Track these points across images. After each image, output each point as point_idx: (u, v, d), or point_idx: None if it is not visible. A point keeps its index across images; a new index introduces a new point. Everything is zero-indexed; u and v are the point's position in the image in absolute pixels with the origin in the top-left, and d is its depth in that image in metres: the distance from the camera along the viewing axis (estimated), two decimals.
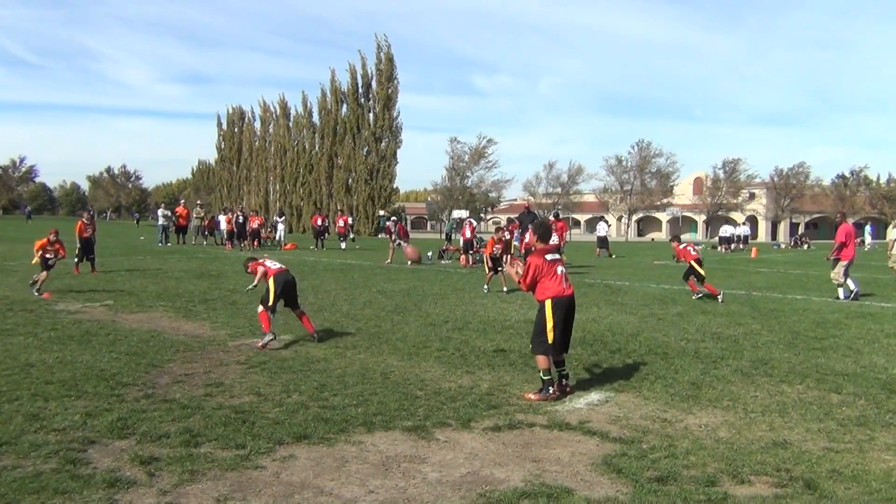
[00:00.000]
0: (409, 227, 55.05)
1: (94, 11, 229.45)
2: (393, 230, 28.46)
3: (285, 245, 36.84)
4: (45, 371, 8.20)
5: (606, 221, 40.03)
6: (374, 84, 73.78)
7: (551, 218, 27.98)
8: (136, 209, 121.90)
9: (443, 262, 28.08)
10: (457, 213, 56.85)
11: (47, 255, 14.95)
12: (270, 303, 10.03)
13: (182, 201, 44.69)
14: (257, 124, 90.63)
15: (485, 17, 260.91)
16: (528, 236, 9.09)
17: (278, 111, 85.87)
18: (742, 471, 5.39)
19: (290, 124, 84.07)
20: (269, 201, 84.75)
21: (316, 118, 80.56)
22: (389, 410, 6.83)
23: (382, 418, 6.57)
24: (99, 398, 7.12)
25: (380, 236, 59.35)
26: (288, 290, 10.38)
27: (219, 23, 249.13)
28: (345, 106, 76.01)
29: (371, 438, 6.06)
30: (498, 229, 20.01)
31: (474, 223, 29.77)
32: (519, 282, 7.76)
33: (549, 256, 7.65)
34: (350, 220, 40.51)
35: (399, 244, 27.40)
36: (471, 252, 26.78)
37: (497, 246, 18.44)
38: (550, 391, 7.41)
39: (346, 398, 7.26)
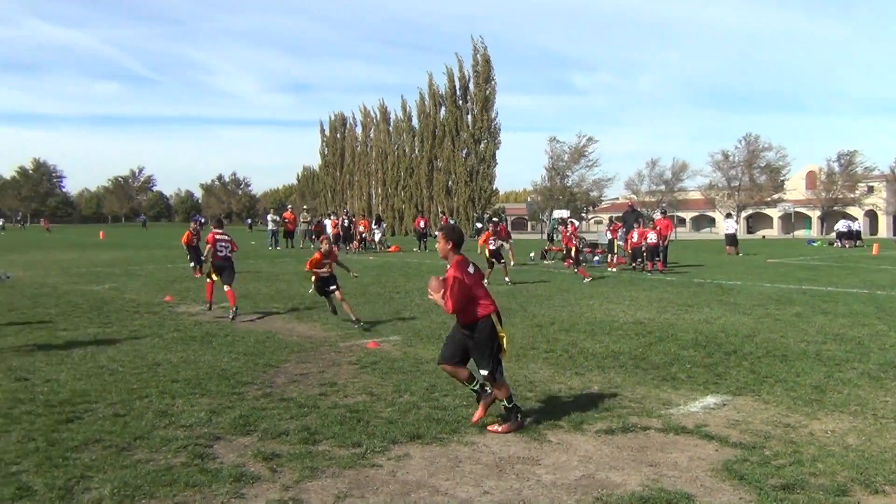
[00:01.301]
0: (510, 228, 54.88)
1: (204, 27, 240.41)
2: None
3: (389, 247, 37.43)
4: (170, 370, 8.63)
5: (733, 218, 38.20)
6: (471, 86, 74.04)
7: (658, 215, 27.33)
8: (247, 215, 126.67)
9: (545, 262, 27.88)
10: (557, 213, 56.27)
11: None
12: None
13: (289, 207, 46.11)
14: (359, 130, 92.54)
15: (582, 14, 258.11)
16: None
17: (378, 116, 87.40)
18: (875, 480, 5.10)
19: (391, 129, 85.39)
20: (372, 205, 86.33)
21: (415, 122, 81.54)
22: (500, 412, 6.83)
23: (494, 419, 6.57)
24: (221, 396, 7.44)
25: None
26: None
27: (320, 33, 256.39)
28: (443, 109, 76.61)
29: (483, 439, 6.08)
30: (492, 222, 20.45)
31: (576, 223, 29.45)
32: (443, 304, 6.29)
33: (470, 268, 6.44)
34: (423, 223, 40.60)
35: (501, 245, 27.38)
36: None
37: (493, 239, 19.10)
38: (519, 418, 6.39)
39: (456, 399, 7.31)
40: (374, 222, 41.28)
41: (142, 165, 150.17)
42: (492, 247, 19.13)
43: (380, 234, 39.02)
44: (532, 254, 29.15)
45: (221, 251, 13.40)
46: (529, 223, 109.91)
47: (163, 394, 7.48)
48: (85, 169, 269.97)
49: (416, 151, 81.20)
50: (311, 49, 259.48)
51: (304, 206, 49.95)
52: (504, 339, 6.41)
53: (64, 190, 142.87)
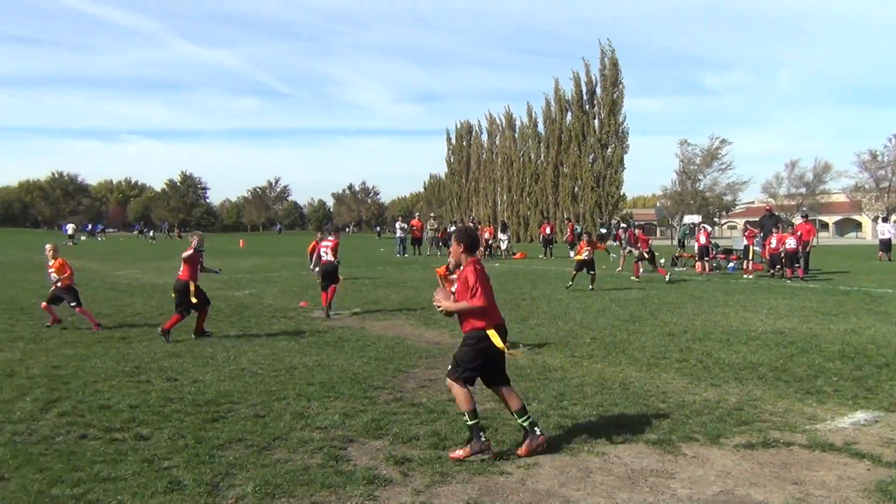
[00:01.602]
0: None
1: (336, 42, 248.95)
2: (623, 237, 27.95)
3: (514, 254, 37.40)
4: (306, 373, 8.96)
5: (890, 223, 35.69)
6: (598, 90, 73.01)
7: (798, 220, 25.98)
8: (375, 222, 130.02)
9: (677, 269, 27.05)
10: (689, 219, 54.52)
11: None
12: None
13: (416, 214, 46.92)
14: (484, 137, 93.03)
15: (714, 12, 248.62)
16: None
17: (504, 123, 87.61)
18: None
19: (516, 135, 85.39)
20: (497, 211, 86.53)
21: (541, 128, 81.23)
22: (631, 422, 6.67)
23: (625, 430, 6.42)
24: (354, 400, 7.64)
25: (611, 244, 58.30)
26: None
27: (448, 43, 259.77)
28: (569, 114, 75.92)
29: (615, 450, 5.95)
30: (621, 228, 20.43)
31: (709, 228, 28.46)
32: (470, 303, 5.90)
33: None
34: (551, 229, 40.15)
35: (630, 251, 26.82)
36: (706, 259, 25.75)
37: (587, 250, 19.19)
38: (483, 437, 5.80)
39: (585, 408, 7.20)
40: (499, 229, 41.35)
41: (278, 176, 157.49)
42: (585, 256, 18.92)
43: (506, 241, 39.04)
44: (662, 259, 28.33)
45: (323, 256, 14.62)
46: (658, 229, 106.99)
47: (299, 396, 7.77)
48: (226, 180, 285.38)
49: (542, 157, 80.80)
50: (438, 59, 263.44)
51: (431, 214, 50.78)
52: (505, 354, 6.02)
53: (208, 200, 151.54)
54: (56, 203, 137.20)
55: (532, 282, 21.27)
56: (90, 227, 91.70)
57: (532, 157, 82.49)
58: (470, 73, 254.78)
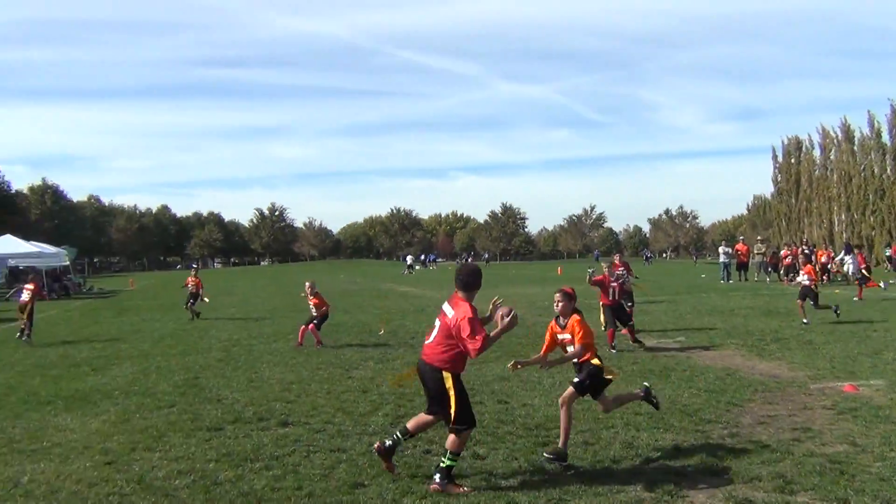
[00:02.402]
0: None
1: (648, 66, 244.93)
2: None
3: (868, 281, 33.44)
4: (632, 402, 8.77)
5: None
6: None
7: None
8: (694, 248, 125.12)
9: None
10: None
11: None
12: None
13: (740, 238, 44.20)
14: (816, 152, 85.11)
15: None
16: None
17: (840, 136, 79.37)
18: None
19: (855, 148, 76.88)
20: (833, 232, 78.39)
21: (886, 138, 72.22)
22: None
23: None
24: (685, 433, 7.33)
25: None
26: None
27: (766, 54, 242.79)
28: None
29: None
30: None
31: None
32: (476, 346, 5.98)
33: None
34: None
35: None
36: None
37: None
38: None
39: None
40: (843, 251, 37.29)
41: (593, 203, 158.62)
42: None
43: (851, 265, 35.07)
44: None
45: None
46: None
47: (627, 425, 7.65)
48: (543, 209, 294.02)
49: (888, 171, 71.72)
50: (759, 73, 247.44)
51: (759, 237, 47.44)
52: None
53: (526, 230, 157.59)
54: (394, 236, 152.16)
55: (882, 310, 18.83)
56: (423, 257, 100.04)
57: (875, 170, 73.59)
58: (794, 85, 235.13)
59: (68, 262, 43.74)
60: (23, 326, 17.34)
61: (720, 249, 38.03)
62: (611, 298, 13.91)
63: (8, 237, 39.47)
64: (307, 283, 15.29)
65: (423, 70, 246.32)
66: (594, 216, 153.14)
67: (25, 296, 17.98)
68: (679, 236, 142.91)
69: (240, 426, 8.12)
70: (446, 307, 6.36)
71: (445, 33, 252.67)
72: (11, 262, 41.04)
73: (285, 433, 7.77)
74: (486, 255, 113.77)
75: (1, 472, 6.64)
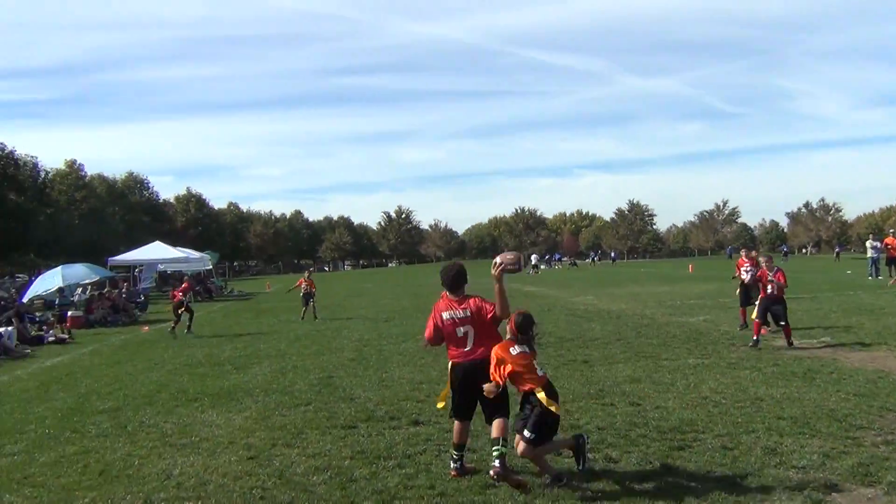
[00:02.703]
0: None
1: (787, 53, 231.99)
2: None
3: None
4: (774, 406, 8.37)
5: None
6: None
7: None
8: (837, 242, 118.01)
9: None
10: None
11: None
12: None
13: (891, 231, 41.29)
14: None
15: None
16: None
17: None
18: None
19: None
20: None
21: None
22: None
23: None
24: (834, 439, 6.91)
25: None
26: None
27: None
28: None
29: None
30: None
31: None
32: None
33: (445, 315, 6.44)
34: None
35: None
36: None
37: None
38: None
39: None
40: None
41: (726, 198, 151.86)
42: None
43: None
44: None
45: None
46: None
47: (770, 430, 7.28)
48: (673, 206, 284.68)
49: None
50: None
51: None
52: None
53: (654, 227, 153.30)
54: (519, 236, 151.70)
55: None
56: (548, 256, 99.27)
57: None
58: None
59: (211, 266, 46.32)
60: (173, 324, 19.54)
61: (868, 244, 35.61)
62: (769, 292, 13.37)
63: (157, 244, 42.24)
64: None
65: (547, 68, 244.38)
66: (727, 211, 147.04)
67: (180, 295, 20.21)
68: (820, 230, 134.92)
69: (372, 424, 8.32)
70: (450, 313, 6.45)
71: (568, 30, 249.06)
72: (161, 267, 43.94)
73: (416, 432, 7.90)
74: (614, 254, 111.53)
75: (155, 464, 7.09)
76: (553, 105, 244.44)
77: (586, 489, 5.81)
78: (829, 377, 9.94)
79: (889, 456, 6.29)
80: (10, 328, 18.69)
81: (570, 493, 5.67)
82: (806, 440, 6.90)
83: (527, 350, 6.22)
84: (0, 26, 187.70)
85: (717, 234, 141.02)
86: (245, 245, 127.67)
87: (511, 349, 6.15)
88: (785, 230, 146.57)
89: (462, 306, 6.40)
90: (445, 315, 6.45)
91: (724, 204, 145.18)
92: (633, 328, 16.73)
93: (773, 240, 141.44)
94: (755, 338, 13.09)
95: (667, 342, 14.11)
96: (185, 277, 24.96)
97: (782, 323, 13.22)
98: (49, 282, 29.12)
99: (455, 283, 6.52)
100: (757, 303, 13.72)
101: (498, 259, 6.51)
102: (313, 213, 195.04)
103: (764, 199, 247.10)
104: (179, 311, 19.74)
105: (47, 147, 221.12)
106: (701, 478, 5.95)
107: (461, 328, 6.36)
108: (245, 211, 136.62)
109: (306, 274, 24.34)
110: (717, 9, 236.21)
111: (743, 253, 16.52)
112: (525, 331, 6.25)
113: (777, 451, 6.59)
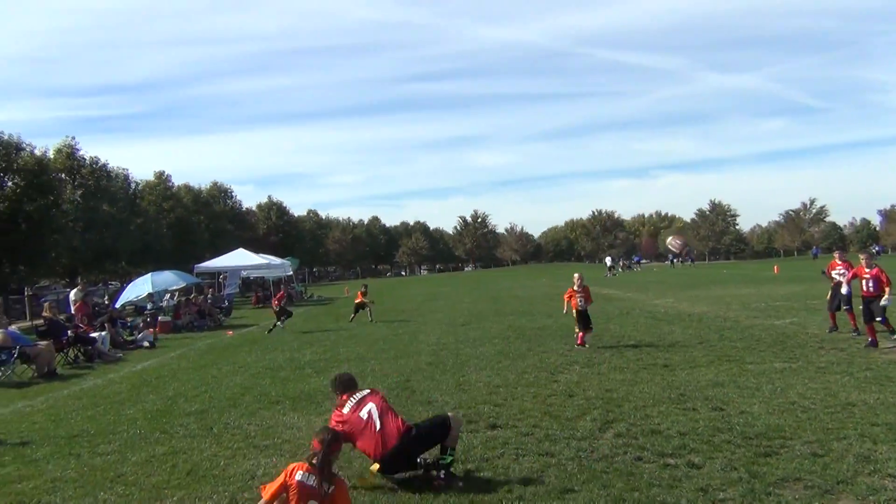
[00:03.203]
0: None
1: (875, 43, 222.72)
2: None
3: None
4: (867, 412, 8.03)
5: None
6: None
7: None
8: None
9: None
10: None
11: None
12: None
13: None
14: None
15: None
16: None
17: None
18: None
19: None
20: None
21: None
22: None
23: None
24: None
25: None
26: None
27: None
28: None
29: None
30: None
31: None
32: None
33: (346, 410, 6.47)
34: None
35: None
36: None
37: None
38: None
39: None
40: None
41: (813, 197, 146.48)
42: None
43: None
44: None
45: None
46: None
47: (863, 437, 6.99)
48: (756, 205, 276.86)
49: None
50: None
51: None
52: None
53: (737, 227, 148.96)
54: (596, 238, 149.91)
55: None
56: (623, 258, 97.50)
57: None
58: None
59: (292, 272, 47.32)
60: (272, 326, 23.35)
61: None
62: (866, 290, 13.45)
63: (241, 251, 43.33)
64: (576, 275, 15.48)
65: (622, 68, 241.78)
66: (814, 210, 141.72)
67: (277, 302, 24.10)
68: None
69: None
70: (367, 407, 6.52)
71: (643, 29, 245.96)
72: (244, 273, 45.13)
73: (494, 435, 7.88)
74: (684, 253, 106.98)
75: (240, 464, 7.29)
76: (629, 105, 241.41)
77: (668, 493, 5.69)
78: None
79: None
80: (103, 333, 19.53)
81: (651, 499, 5.56)
82: None
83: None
84: (94, 44, 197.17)
85: (804, 233, 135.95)
86: (324, 251, 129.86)
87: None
88: (877, 228, 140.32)
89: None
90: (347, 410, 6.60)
91: (812, 202, 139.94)
92: (715, 331, 16.29)
93: (863, 238, 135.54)
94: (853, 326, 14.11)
95: (751, 345, 13.69)
96: (282, 286, 27.13)
97: (879, 319, 12.75)
98: (139, 288, 30.21)
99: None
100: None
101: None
102: (390, 219, 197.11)
103: (854, 197, 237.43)
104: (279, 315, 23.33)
105: (137, 160, 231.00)
106: (789, 485, 5.75)
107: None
108: (324, 218, 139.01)
109: (363, 288, 26.12)
110: (796, 1, 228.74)
111: (837, 255, 15.81)
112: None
113: (871, 458, 6.31)
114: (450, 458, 6.35)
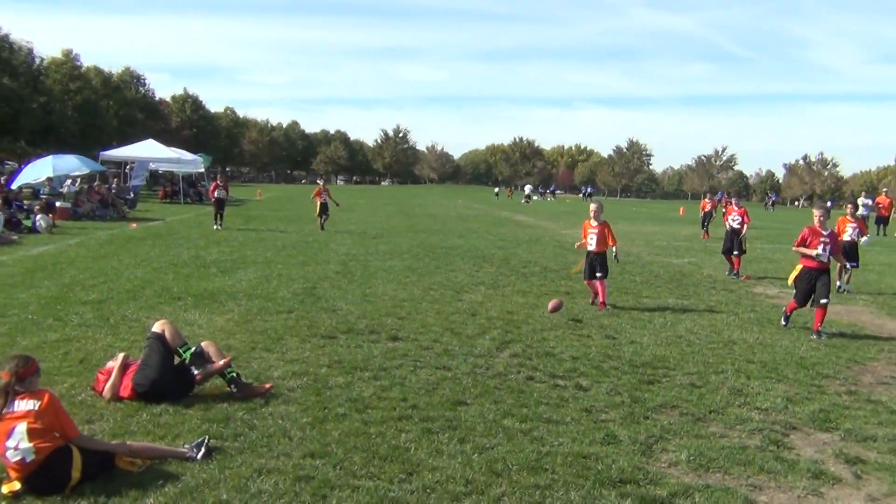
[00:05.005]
0: None
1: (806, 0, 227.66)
2: None
3: None
4: (746, 350, 8.56)
5: None
6: None
7: None
8: (830, 197, 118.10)
9: None
10: None
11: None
12: None
13: (884, 191, 41.42)
14: None
15: None
16: None
17: None
18: None
19: None
20: None
21: None
22: None
23: None
24: (799, 385, 7.09)
25: None
26: None
27: None
28: None
29: None
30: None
31: None
32: None
33: None
34: None
35: None
36: None
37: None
38: None
39: None
40: None
41: (725, 144, 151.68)
42: None
43: None
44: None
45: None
46: None
47: (738, 372, 7.46)
48: (671, 148, 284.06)
49: None
50: None
51: None
52: None
53: (651, 168, 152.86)
54: (514, 165, 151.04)
55: None
56: (541, 188, 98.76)
57: None
58: None
59: (203, 170, 45.88)
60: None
61: (859, 201, 35.73)
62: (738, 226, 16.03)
63: (151, 142, 41.66)
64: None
65: None
66: (724, 157, 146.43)
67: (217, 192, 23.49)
68: (815, 184, 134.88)
69: (352, 337, 8.44)
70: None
71: None
72: (152, 166, 43.53)
73: (394, 347, 8.03)
74: (589, 189, 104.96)
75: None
76: (563, 34, 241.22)
77: (554, 411, 5.97)
78: (803, 326, 10.11)
79: (850, 405, 6.48)
80: None
81: (538, 416, 5.82)
82: (772, 384, 7.07)
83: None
84: None
85: (713, 179, 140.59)
86: (239, 151, 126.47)
87: None
88: (780, 181, 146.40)
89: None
90: None
91: (723, 150, 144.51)
92: (618, 265, 16.82)
93: (765, 189, 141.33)
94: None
95: (649, 280, 14.27)
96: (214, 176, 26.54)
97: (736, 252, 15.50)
98: (38, 171, 28.81)
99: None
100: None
101: None
102: (310, 125, 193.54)
103: (764, 149, 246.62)
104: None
105: (43, 34, 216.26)
106: (666, 411, 6.12)
107: None
108: (241, 116, 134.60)
109: (321, 183, 25.19)
110: None
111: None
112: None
113: (743, 392, 6.76)
114: (233, 372, 6.21)
